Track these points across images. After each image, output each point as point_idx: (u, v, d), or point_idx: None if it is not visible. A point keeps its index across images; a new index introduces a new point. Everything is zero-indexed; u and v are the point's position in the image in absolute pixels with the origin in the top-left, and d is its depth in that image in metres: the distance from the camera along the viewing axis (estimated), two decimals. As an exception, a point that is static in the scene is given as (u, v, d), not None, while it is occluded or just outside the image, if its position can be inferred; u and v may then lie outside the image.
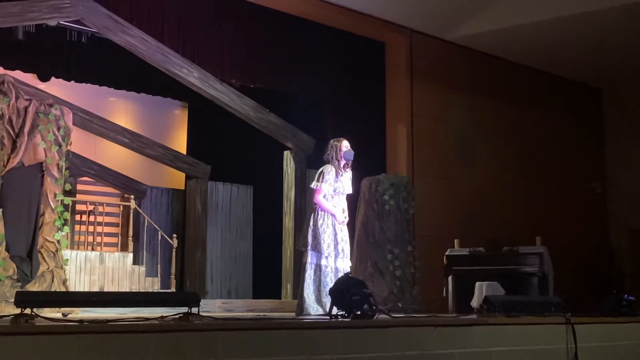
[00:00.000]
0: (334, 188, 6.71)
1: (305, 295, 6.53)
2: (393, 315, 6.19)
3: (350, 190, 6.91)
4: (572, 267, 11.41)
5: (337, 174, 6.71)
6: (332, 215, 6.66)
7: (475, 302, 8.07)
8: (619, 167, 13.68)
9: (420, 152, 11.27)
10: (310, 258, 6.61)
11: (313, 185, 6.76)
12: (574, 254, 11.85)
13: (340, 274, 6.48)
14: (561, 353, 5.57)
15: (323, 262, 6.55)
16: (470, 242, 9.25)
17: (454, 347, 5.02)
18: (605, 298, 6.56)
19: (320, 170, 6.79)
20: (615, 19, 10.99)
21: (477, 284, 8.25)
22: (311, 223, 6.67)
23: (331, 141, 6.88)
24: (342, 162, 6.76)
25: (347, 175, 6.85)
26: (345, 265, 6.67)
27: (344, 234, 6.72)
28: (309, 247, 6.61)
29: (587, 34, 11.47)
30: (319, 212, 6.66)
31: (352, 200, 7.77)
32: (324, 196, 6.68)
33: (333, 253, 6.60)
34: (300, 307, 6.54)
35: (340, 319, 5.26)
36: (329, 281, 6.45)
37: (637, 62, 12.60)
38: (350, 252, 6.98)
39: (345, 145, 6.79)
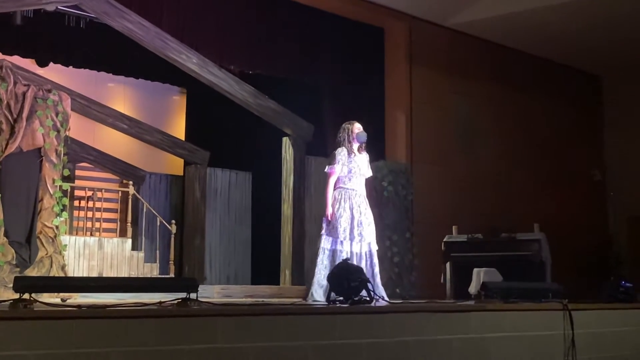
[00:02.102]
0: (349, 169, 6.65)
1: (315, 280, 6.50)
2: (391, 301, 6.21)
3: (369, 173, 6.85)
4: (570, 253, 11.43)
5: (349, 154, 6.68)
6: (343, 199, 6.60)
7: (473, 289, 8.11)
8: (618, 155, 13.67)
9: (419, 138, 11.26)
10: (323, 243, 6.56)
11: (326, 169, 6.72)
12: (572, 240, 11.87)
13: (355, 259, 6.45)
14: (558, 339, 5.59)
15: (338, 247, 6.48)
16: (469, 228, 9.28)
17: (451, 333, 5.04)
18: (603, 284, 6.59)
19: (332, 153, 6.77)
20: (615, 6, 10.96)
21: (475, 270, 8.28)
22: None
23: (343, 124, 6.87)
24: (356, 145, 6.74)
25: (363, 158, 6.80)
26: (359, 249, 6.54)
27: (364, 218, 6.60)
28: (324, 232, 6.57)
29: (588, 21, 11.43)
30: (335, 197, 6.63)
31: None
32: (339, 178, 6.63)
33: (349, 237, 6.52)
34: (309, 291, 6.54)
35: (338, 305, 5.28)
36: None
37: (637, 49, 12.58)
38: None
39: (357, 127, 6.80)
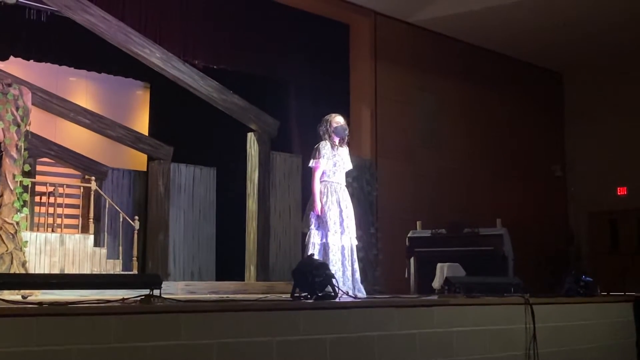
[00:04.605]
0: (334, 162, 6.53)
1: None
2: (355, 296, 6.23)
3: (350, 166, 6.73)
4: (532, 248, 11.60)
5: (332, 148, 6.55)
6: (328, 197, 6.52)
7: (436, 283, 8.18)
8: (578, 151, 13.89)
9: (384, 134, 11.31)
10: (313, 237, 6.43)
11: (310, 163, 6.56)
12: (534, 235, 12.04)
13: (346, 252, 6.41)
14: (520, 333, 5.66)
15: (330, 239, 6.38)
16: (433, 224, 9.35)
17: (415, 327, 5.07)
18: (564, 279, 6.68)
19: (315, 147, 6.60)
20: (577, 4, 11.12)
21: (439, 265, 8.35)
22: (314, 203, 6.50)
23: (324, 117, 6.68)
24: (336, 139, 6.59)
25: (345, 151, 6.67)
26: (348, 242, 6.48)
27: (349, 211, 6.53)
28: (312, 226, 6.44)
29: (550, 19, 11.58)
30: (322, 191, 6.51)
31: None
32: (324, 173, 6.51)
33: (339, 230, 6.43)
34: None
35: (302, 300, 5.28)
36: (337, 259, 6.34)
37: (597, 47, 12.78)
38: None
39: (336, 121, 6.60)
